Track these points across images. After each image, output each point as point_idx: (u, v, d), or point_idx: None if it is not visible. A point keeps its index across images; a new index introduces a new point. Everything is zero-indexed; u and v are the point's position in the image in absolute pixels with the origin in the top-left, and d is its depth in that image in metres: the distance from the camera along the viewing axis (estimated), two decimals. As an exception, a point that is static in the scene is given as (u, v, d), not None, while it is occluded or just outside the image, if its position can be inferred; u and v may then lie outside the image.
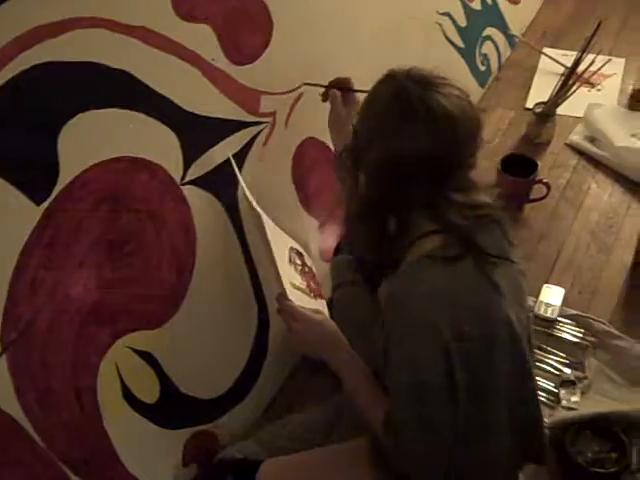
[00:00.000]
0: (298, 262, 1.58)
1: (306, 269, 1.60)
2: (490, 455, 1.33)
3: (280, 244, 1.55)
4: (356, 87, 1.74)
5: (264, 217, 1.53)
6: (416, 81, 1.26)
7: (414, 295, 1.25)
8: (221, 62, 1.55)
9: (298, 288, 1.49)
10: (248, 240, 1.69)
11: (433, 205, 1.28)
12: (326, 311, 1.53)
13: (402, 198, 1.30)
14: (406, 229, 1.32)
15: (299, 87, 1.79)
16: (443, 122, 1.22)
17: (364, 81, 1.67)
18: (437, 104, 1.22)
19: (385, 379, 1.33)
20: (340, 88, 1.73)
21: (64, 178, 1.29)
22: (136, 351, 1.46)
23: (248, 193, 1.58)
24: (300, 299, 1.46)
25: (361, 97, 1.64)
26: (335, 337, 1.42)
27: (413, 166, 1.24)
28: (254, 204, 1.57)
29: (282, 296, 1.43)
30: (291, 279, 1.48)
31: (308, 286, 1.54)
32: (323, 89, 1.77)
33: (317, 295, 1.54)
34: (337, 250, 1.88)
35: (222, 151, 1.59)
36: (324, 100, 1.76)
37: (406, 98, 1.24)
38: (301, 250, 1.64)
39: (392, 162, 1.26)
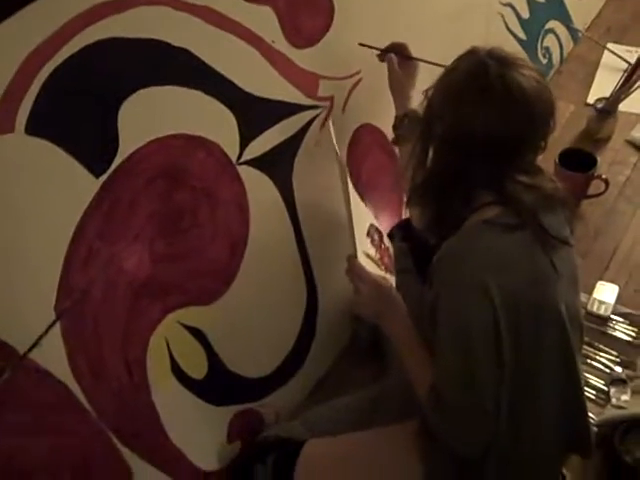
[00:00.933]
0: (376, 238, 1.59)
1: (382, 246, 1.60)
2: (534, 437, 1.33)
3: (361, 215, 1.55)
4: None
5: (350, 187, 1.53)
6: (496, 59, 1.27)
7: (466, 254, 1.27)
8: (281, 44, 1.55)
9: (371, 258, 1.49)
10: (301, 222, 1.70)
11: (499, 181, 1.29)
12: (394, 285, 1.53)
13: (469, 172, 1.31)
14: (468, 201, 1.33)
15: (358, 72, 1.78)
16: (519, 101, 1.24)
17: (424, 67, 1.67)
18: (515, 83, 1.24)
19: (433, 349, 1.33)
20: (396, 53, 1.73)
21: (123, 152, 1.31)
22: (186, 326, 1.48)
23: (335, 142, 1.58)
24: (370, 267, 1.46)
25: (424, 67, 1.69)
26: (396, 303, 1.43)
27: (484, 142, 1.25)
28: (341, 155, 1.56)
29: (352, 257, 1.44)
30: (365, 249, 1.49)
31: (381, 259, 1.54)
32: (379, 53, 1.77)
33: (388, 271, 1.55)
34: (389, 236, 1.87)
35: (278, 133, 1.60)
36: (381, 60, 1.76)
37: (485, 74, 1.25)
38: (381, 229, 1.64)
39: (464, 136, 1.27)
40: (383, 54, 1.75)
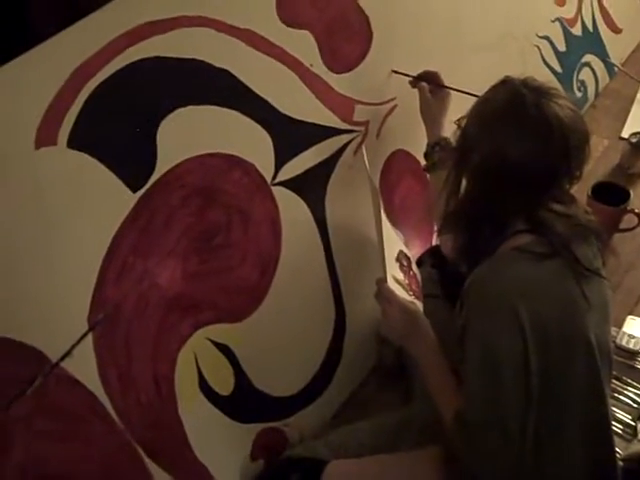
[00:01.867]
0: (405, 264, 1.59)
1: (411, 272, 1.61)
2: (558, 469, 1.32)
3: (391, 240, 1.56)
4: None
5: (382, 211, 1.54)
6: (532, 89, 1.28)
7: (497, 280, 1.27)
8: (319, 69, 1.58)
9: (399, 282, 1.50)
10: (332, 244, 1.71)
11: (533, 210, 1.30)
12: (422, 311, 1.53)
13: (503, 201, 1.31)
14: (501, 229, 1.33)
15: (393, 99, 1.80)
16: (556, 131, 1.24)
17: (458, 95, 1.69)
18: (552, 112, 1.25)
19: (460, 375, 1.33)
20: (428, 81, 1.75)
21: (160, 169, 1.34)
22: (215, 343, 1.49)
23: (368, 168, 1.57)
24: (399, 291, 1.47)
25: (456, 97, 1.70)
26: (423, 327, 1.43)
27: (520, 171, 1.26)
28: (374, 180, 1.58)
29: (382, 280, 1.44)
30: (394, 273, 1.49)
31: (409, 285, 1.55)
32: (411, 79, 1.79)
33: (416, 297, 1.55)
34: (419, 263, 1.88)
35: (313, 156, 1.62)
36: (413, 87, 1.78)
37: (521, 104, 1.26)
38: (410, 256, 1.65)
39: (499, 166, 1.28)
40: (415, 81, 1.77)
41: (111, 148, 1.27)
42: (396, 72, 1.78)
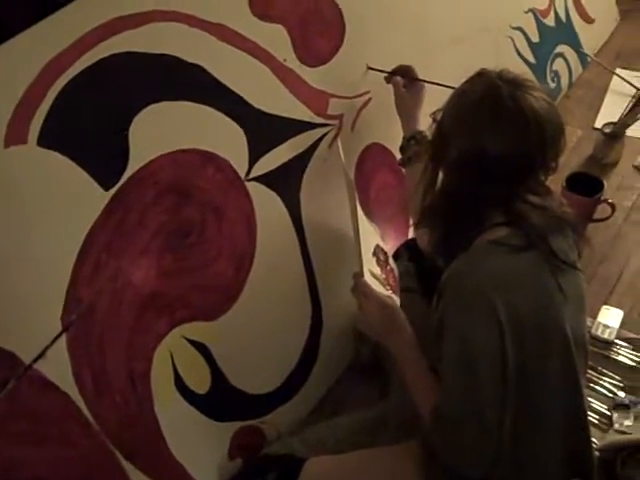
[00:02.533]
0: (381, 258, 1.58)
1: (388, 267, 1.60)
2: (536, 460, 1.32)
3: (368, 235, 1.55)
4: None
5: (358, 205, 1.53)
6: (507, 81, 1.28)
7: (473, 273, 1.27)
8: (292, 63, 1.57)
9: (376, 277, 1.49)
10: (307, 239, 1.71)
11: (509, 202, 1.30)
12: (399, 305, 1.53)
13: (480, 194, 1.31)
14: (477, 222, 1.33)
15: (367, 92, 1.80)
16: (532, 122, 1.24)
17: (433, 89, 1.68)
18: (527, 105, 1.24)
19: (437, 370, 1.33)
20: (403, 75, 1.74)
21: (133, 166, 1.32)
22: (191, 341, 1.48)
23: (343, 160, 1.57)
24: (376, 286, 1.46)
25: (427, 85, 1.71)
26: (400, 322, 1.42)
27: (496, 164, 1.26)
28: (349, 173, 1.57)
29: (358, 275, 1.44)
30: (371, 267, 1.49)
31: (386, 280, 1.54)
32: (387, 75, 1.78)
33: (393, 292, 1.55)
34: (396, 256, 1.88)
35: (288, 150, 1.61)
36: (387, 82, 1.77)
37: (497, 96, 1.26)
38: (386, 250, 1.65)
39: (476, 158, 1.27)
40: (388, 77, 1.76)
41: (82, 145, 1.25)
42: (371, 68, 1.78)
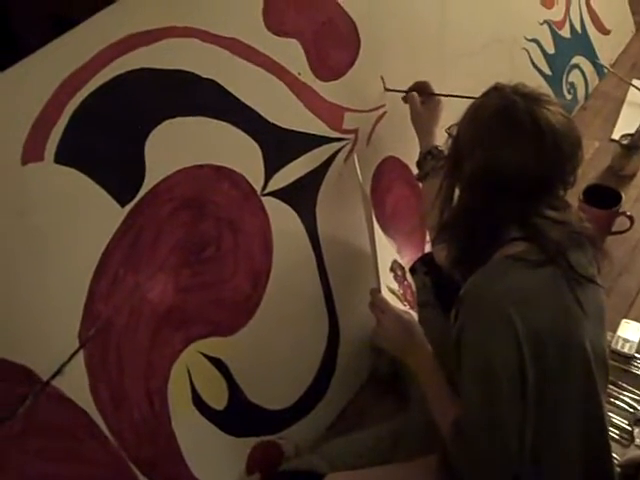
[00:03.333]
0: (399, 273, 1.58)
1: (405, 282, 1.60)
2: (557, 477, 1.31)
3: (385, 250, 1.55)
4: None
5: (374, 220, 1.52)
6: (523, 95, 1.27)
7: (492, 288, 1.26)
8: (307, 77, 1.57)
9: (393, 292, 1.49)
10: (324, 254, 1.70)
11: (527, 217, 1.29)
12: (417, 320, 1.52)
13: (497, 209, 1.30)
14: (495, 237, 1.32)
15: (383, 105, 1.80)
16: (549, 137, 1.23)
17: (449, 104, 1.68)
18: (544, 119, 1.24)
19: (456, 383, 1.32)
20: (418, 91, 1.74)
21: (149, 182, 1.33)
22: (208, 357, 1.47)
23: (359, 175, 1.56)
24: (393, 301, 1.46)
25: (444, 100, 1.70)
26: (418, 337, 1.42)
27: (513, 178, 1.25)
28: (365, 188, 1.57)
29: (375, 290, 1.43)
30: (388, 283, 1.48)
31: (404, 295, 1.54)
32: (404, 94, 1.78)
33: (411, 307, 1.54)
34: (412, 270, 1.87)
35: (303, 165, 1.61)
36: (405, 102, 1.77)
37: (513, 111, 1.25)
38: (403, 265, 1.64)
39: (493, 173, 1.26)
40: (407, 95, 1.76)
41: (99, 162, 1.26)
42: (389, 90, 1.78)
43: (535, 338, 1.22)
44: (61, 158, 1.20)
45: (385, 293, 1.43)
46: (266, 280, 1.57)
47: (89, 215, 1.26)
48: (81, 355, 1.26)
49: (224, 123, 1.43)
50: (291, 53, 1.53)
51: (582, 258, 1.31)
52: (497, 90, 1.31)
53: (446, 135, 1.45)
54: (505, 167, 1.24)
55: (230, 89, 1.43)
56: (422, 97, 1.73)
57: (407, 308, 1.51)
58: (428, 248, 1.98)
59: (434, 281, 1.78)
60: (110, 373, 1.30)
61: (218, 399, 1.51)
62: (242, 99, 1.45)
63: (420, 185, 1.77)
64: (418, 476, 1.44)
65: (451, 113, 1.47)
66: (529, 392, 1.22)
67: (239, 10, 1.46)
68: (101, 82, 1.25)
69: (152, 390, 1.38)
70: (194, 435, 1.47)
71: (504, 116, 1.26)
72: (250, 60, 1.45)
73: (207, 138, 1.41)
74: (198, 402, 1.47)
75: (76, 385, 1.26)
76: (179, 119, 1.36)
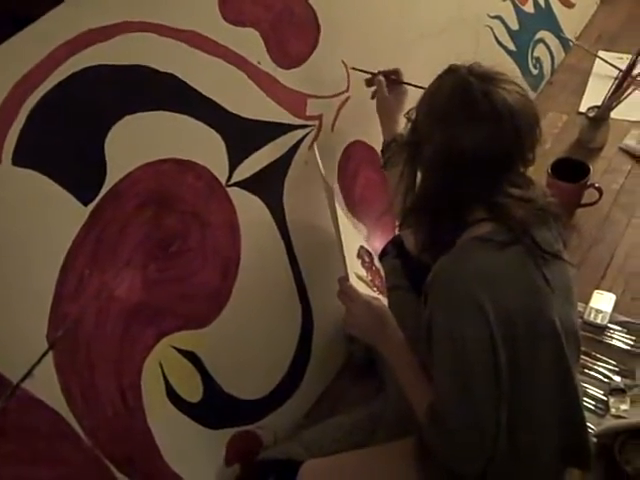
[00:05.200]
0: (366, 259, 1.58)
1: (374, 268, 1.60)
2: (532, 452, 1.32)
3: (350, 237, 1.55)
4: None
5: (339, 207, 1.52)
6: (478, 76, 1.27)
7: (459, 272, 1.26)
8: (267, 65, 1.57)
9: (362, 279, 1.48)
10: (293, 242, 1.70)
11: (490, 197, 1.29)
12: (386, 306, 1.52)
13: (459, 191, 1.30)
14: (461, 219, 1.33)
15: (346, 90, 1.79)
16: (505, 116, 1.23)
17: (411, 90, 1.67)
18: (500, 99, 1.24)
19: (429, 368, 1.33)
20: (386, 76, 1.73)
21: (111, 179, 1.32)
22: (180, 350, 1.47)
23: (321, 166, 1.57)
24: (362, 288, 1.46)
25: (410, 89, 1.68)
26: (389, 323, 1.42)
27: (473, 160, 1.25)
28: (328, 180, 1.56)
29: (343, 278, 1.43)
30: (356, 270, 1.48)
31: (372, 281, 1.54)
32: (368, 75, 1.78)
33: (380, 292, 1.54)
34: (383, 254, 1.87)
35: (268, 154, 1.61)
36: (368, 85, 1.77)
37: (469, 92, 1.25)
38: (371, 251, 1.64)
39: (453, 156, 1.26)
40: (370, 80, 1.76)
41: (58, 162, 1.24)
42: (356, 69, 1.78)
43: (505, 319, 1.22)
44: (19, 160, 1.19)
45: (353, 281, 1.43)
46: (236, 271, 1.56)
47: (51, 216, 1.24)
48: (50, 356, 1.25)
49: (185, 116, 1.42)
50: (250, 43, 1.52)
51: (547, 235, 1.32)
52: (452, 72, 1.31)
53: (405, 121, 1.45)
54: (464, 149, 1.24)
55: (190, 82, 1.42)
56: (388, 83, 1.73)
57: (376, 294, 1.51)
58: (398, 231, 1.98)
59: (404, 263, 1.78)
60: (81, 372, 1.30)
61: (193, 392, 1.52)
62: (202, 91, 1.44)
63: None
64: (395, 459, 1.45)
65: (415, 99, 1.46)
66: (502, 373, 1.23)
67: (195, 2, 1.44)
68: (58, 80, 1.23)
69: (125, 387, 1.38)
70: (170, 429, 1.47)
71: (460, 98, 1.26)
72: (209, 52, 1.44)
73: (168, 132, 1.40)
74: (173, 396, 1.47)
75: (47, 386, 1.25)
76: (139, 114, 1.35)
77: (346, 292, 1.42)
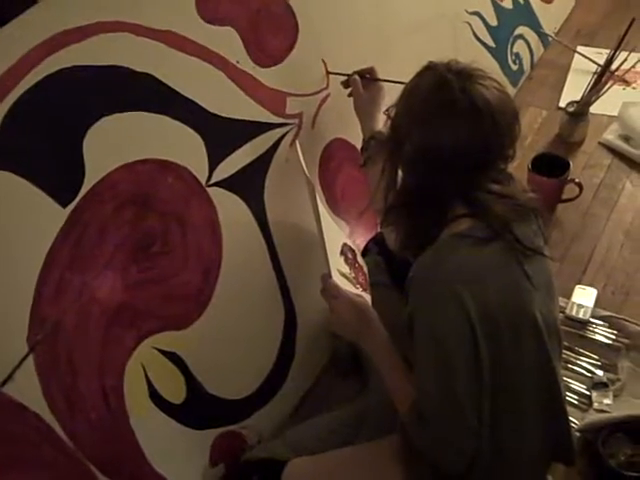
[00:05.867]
0: (349, 256, 1.58)
1: (357, 265, 1.59)
2: (516, 448, 1.33)
3: (333, 234, 1.54)
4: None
5: (321, 206, 1.52)
6: (456, 73, 1.27)
7: (440, 268, 1.26)
8: (246, 64, 1.56)
9: (345, 276, 1.48)
10: (275, 241, 1.70)
11: (471, 193, 1.30)
12: (370, 303, 1.52)
13: (440, 188, 1.31)
14: (441, 216, 1.33)
15: (326, 88, 1.79)
16: (484, 113, 1.23)
17: (392, 87, 1.67)
18: (478, 95, 1.24)
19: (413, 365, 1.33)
20: (361, 76, 1.73)
21: (89, 180, 1.31)
22: (162, 352, 1.46)
23: (303, 164, 1.56)
24: (345, 285, 1.46)
25: (388, 86, 1.69)
26: (372, 320, 1.41)
27: (453, 157, 1.25)
28: (310, 175, 1.56)
29: (326, 276, 1.43)
30: (339, 267, 1.48)
31: (355, 278, 1.53)
32: (345, 77, 1.77)
33: (363, 289, 1.54)
34: (365, 251, 1.87)
35: (248, 153, 1.60)
36: (345, 87, 1.77)
37: (448, 89, 1.25)
38: (354, 248, 1.64)
39: (432, 153, 1.27)
40: (346, 82, 1.76)
41: (36, 164, 1.24)
42: (331, 73, 1.78)
43: (486, 315, 1.22)
44: (-4, 162, 1.18)
45: (336, 278, 1.43)
46: (217, 271, 1.56)
47: (29, 218, 1.23)
48: (31, 359, 1.24)
49: (163, 117, 1.41)
50: (228, 41, 1.51)
51: (528, 230, 1.32)
52: (430, 69, 1.31)
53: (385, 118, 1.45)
54: (443, 146, 1.25)
55: (167, 82, 1.41)
56: (364, 82, 1.72)
57: (360, 291, 1.51)
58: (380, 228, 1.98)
59: (387, 260, 1.78)
60: (62, 375, 1.29)
61: (176, 393, 1.51)
62: (180, 91, 1.44)
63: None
64: (380, 457, 1.45)
65: (395, 97, 1.46)
66: (484, 370, 1.23)
67: (172, 1, 1.44)
68: (33, 82, 1.22)
69: (107, 389, 1.37)
70: (154, 431, 1.46)
71: (439, 95, 1.26)
72: (186, 51, 1.43)
73: (147, 133, 1.39)
74: (156, 398, 1.46)
75: (28, 390, 1.24)
76: (116, 115, 1.34)
77: (329, 289, 1.42)
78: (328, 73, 1.78)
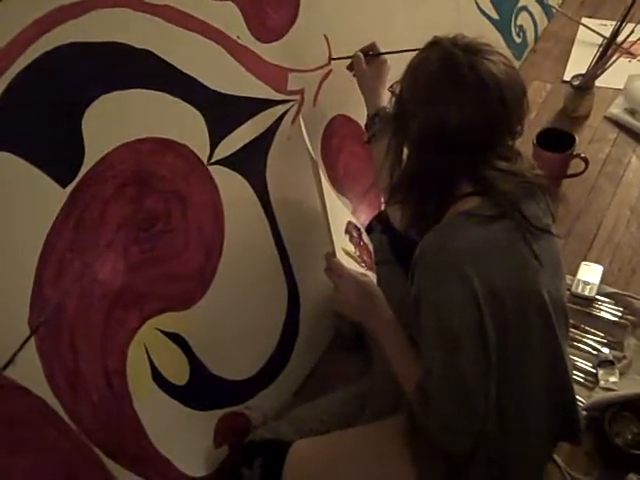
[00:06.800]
0: (354, 234, 1.56)
1: (361, 243, 1.58)
2: (522, 428, 1.32)
3: (338, 212, 1.53)
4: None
5: (325, 184, 1.49)
6: (463, 48, 1.25)
7: (446, 247, 1.25)
8: (246, 40, 1.53)
9: (350, 255, 1.47)
10: (277, 219, 1.68)
11: (478, 171, 1.28)
12: (375, 282, 1.50)
13: (447, 165, 1.29)
14: (448, 193, 1.31)
15: (328, 64, 1.76)
16: (492, 88, 1.22)
17: (396, 59, 1.65)
18: (486, 70, 1.22)
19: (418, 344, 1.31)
20: (365, 54, 1.71)
21: (89, 160, 1.28)
22: (165, 333, 1.45)
23: (307, 140, 1.53)
24: (350, 264, 1.44)
25: (392, 62, 1.66)
26: (378, 299, 1.40)
27: (460, 134, 1.24)
28: (313, 152, 1.53)
29: (330, 254, 1.41)
30: (344, 246, 1.46)
31: (360, 257, 1.52)
32: (349, 61, 1.74)
33: (369, 268, 1.52)
34: (369, 229, 1.85)
35: (249, 130, 1.58)
36: (350, 70, 1.74)
37: (454, 65, 1.23)
38: (359, 226, 1.62)
39: (439, 130, 1.25)
40: (351, 64, 1.73)
41: (35, 144, 1.21)
42: (335, 59, 1.76)
43: (493, 294, 1.21)
44: (-7, 143, 1.16)
45: (341, 256, 1.42)
46: (219, 250, 1.54)
47: (29, 199, 1.21)
48: (33, 342, 1.23)
49: (163, 94, 1.39)
50: (228, 16, 1.48)
51: (536, 208, 1.30)
52: (436, 44, 1.29)
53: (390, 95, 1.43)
54: (450, 122, 1.23)
55: (167, 58, 1.38)
56: (367, 58, 1.69)
57: (364, 269, 1.49)
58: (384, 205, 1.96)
59: (391, 238, 1.77)
60: (65, 358, 1.28)
61: (179, 374, 1.50)
62: (180, 67, 1.41)
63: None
64: (385, 437, 1.44)
65: (399, 71, 1.44)
66: (490, 348, 1.22)
67: (169, -25, 1.41)
68: (29, 60, 1.19)
69: (110, 371, 1.36)
70: (157, 413, 1.45)
71: (445, 71, 1.24)
72: (185, 26, 1.40)
73: (147, 111, 1.37)
74: (159, 379, 1.45)
75: (30, 373, 1.23)
76: (116, 93, 1.31)
77: (333, 268, 1.40)
78: (331, 59, 1.76)
